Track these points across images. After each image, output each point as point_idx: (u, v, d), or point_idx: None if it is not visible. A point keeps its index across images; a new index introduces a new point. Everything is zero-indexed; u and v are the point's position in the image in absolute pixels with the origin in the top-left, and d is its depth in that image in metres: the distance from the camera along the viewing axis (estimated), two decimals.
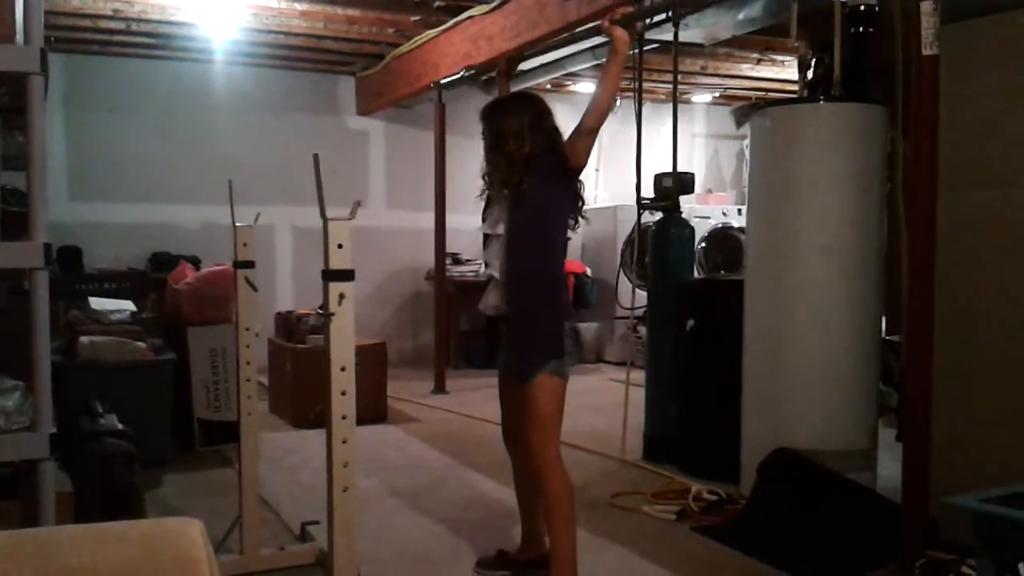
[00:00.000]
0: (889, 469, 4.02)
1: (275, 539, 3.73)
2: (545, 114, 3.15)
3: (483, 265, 3.19)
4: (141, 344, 4.77)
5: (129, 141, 7.96)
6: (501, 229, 3.12)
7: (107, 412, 3.92)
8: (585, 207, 3.21)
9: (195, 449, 4.94)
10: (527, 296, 3.08)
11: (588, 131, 2.98)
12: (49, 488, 2.36)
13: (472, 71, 6.55)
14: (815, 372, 3.97)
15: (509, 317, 3.15)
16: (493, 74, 3.65)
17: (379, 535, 3.83)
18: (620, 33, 2.96)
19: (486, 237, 3.24)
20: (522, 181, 3.05)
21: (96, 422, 3.81)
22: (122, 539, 1.35)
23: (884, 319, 4.28)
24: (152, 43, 7.37)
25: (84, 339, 4.65)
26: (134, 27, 6.81)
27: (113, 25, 6.75)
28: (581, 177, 3.15)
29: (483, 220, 3.31)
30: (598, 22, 3.00)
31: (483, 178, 3.24)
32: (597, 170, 9.72)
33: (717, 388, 4.56)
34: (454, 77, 6.85)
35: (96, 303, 5.28)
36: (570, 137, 3.04)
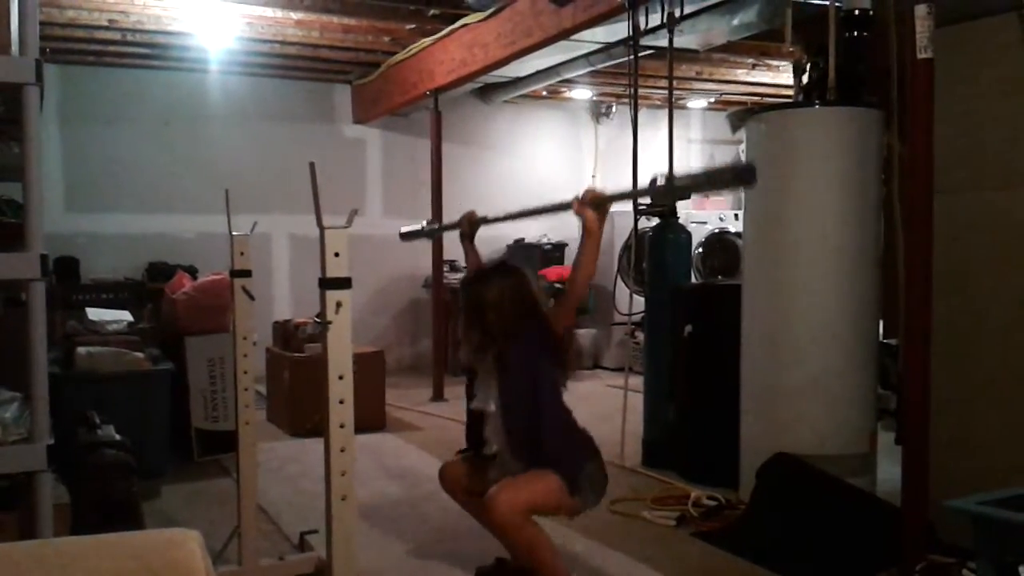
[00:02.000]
0: (888, 473, 4.02)
1: (274, 549, 3.72)
2: (526, 285, 3.13)
3: (485, 444, 3.17)
4: (138, 354, 4.76)
5: (125, 151, 7.96)
6: (493, 407, 3.09)
7: (105, 423, 3.91)
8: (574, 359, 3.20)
9: (193, 459, 4.92)
10: (541, 462, 3.01)
11: (570, 306, 3.09)
12: (46, 500, 2.35)
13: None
14: (813, 376, 3.97)
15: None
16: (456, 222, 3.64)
17: (378, 544, 3.82)
18: (591, 215, 2.94)
19: (479, 413, 3.20)
20: (502, 352, 3.04)
21: (94, 433, 3.80)
22: (120, 551, 1.35)
23: (881, 322, 4.28)
24: (148, 53, 7.37)
25: (81, 349, 4.64)
26: (129, 37, 6.81)
27: (109, 36, 6.75)
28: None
29: (468, 397, 3.25)
30: (571, 200, 2.99)
31: (462, 342, 3.23)
32: (593, 176, 9.73)
33: (715, 393, 4.56)
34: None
35: (93, 313, 5.28)
36: (553, 308, 3.10)
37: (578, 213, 2.97)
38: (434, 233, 3.89)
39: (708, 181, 2.79)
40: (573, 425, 3.18)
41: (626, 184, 5.25)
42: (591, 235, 2.97)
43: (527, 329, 3.04)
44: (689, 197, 3.68)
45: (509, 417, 3.07)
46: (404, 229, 4.18)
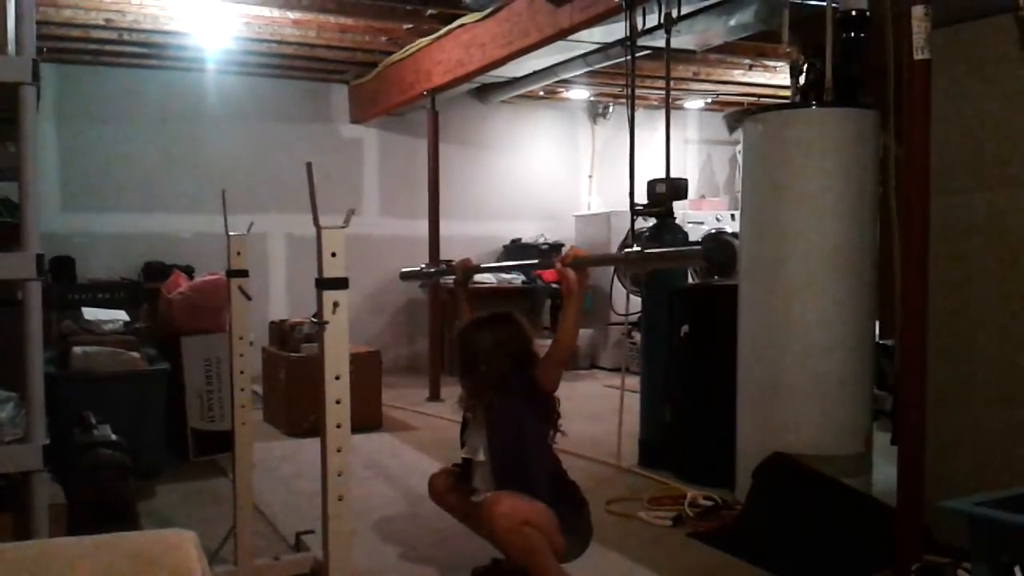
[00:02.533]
0: (884, 473, 4.02)
1: (270, 549, 3.72)
2: (519, 334, 3.17)
3: (474, 492, 3.20)
4: (134, 354, 4.76)
5: (122, 150, 7.95)
6: (482, 456, 3.13)
7: (100, 423, 3.91)
8: (560, 419, 3.19)
9: (189, 459, 4.92)
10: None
11: (556, 363, 3.08)
12: (42, 500, 2.35)
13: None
14: (810, 376, 3.97)
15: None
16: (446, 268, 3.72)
17: (375, 544, 3.82)
18: (571, 277, 2.96)
19: (467, 462, 3.24)
20: (492, 402, 3.07)
21: (89, 433, 3.80)
22: (116, 551, 1.35)
23: (877, 323, 4.29)
24: (144, 52, 7.37)
25: (77, 349, 4.63)
26: (126, 37, 6.81)
27: (105, 35, 6.75)
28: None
29: (461, 444, 3.30)
30: (554, 259, 3.03)
31: (462, 390, 3.28)
32: (590, 176, 9.74)
33: (712, 393, 4.57)
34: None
35: (89, 313, 5.27)
36: (540, 365, 3.09)
37: (559, 273, 3.01)
38: (431, 276, 4.06)
39: (676, 259, 2.88)
40: (561, 477, 3.22)
41: (623, 184, 5.24)
42: (571, 297, 3.00)
43: (518, 382, 3.08)
44: (654, 268, 3.78)
45: (498, 468, 3.10)
46: (404, 270, 4.32)
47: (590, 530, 3.20)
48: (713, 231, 8.67)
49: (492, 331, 3.16)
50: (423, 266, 4.17)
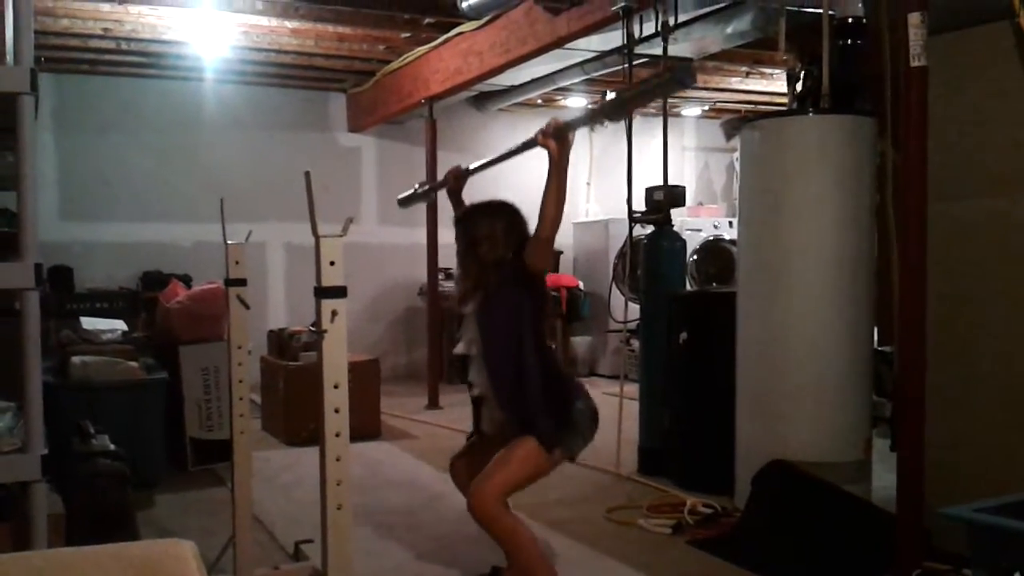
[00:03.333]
0: (884, 480, 4.02)
1: (269, 559, 3.71)
2: (518, 220, 3.21)
3: (468, 386, 3.23)
4: (133, 363, 4.75)
5: (120, 160, 7.95)
6: (475, 349, 3.16)
7: (99, 432, 3.90)
8: (551, 303, 3.25)
9: (187, 468, 4.91)
10: (521, 402, 3.08)
11: (544, 240, 3.06)
12: (41, 510, 2.34)
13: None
14: (808, 383, 3.97)
15: (507, 424, 3.14)
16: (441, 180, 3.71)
17: (374, 553, 3.81)
18: (552, 145, 2.97)
19: (464, 357, 3.28)
20: (488, 291, 3.11)
21: (88, 442, 3.79)
22: (115, 562, 1.34)
23: (876, 329, 4.29)
24: (142, 62, 7.37)
25: (76, 359, 4.63)
26: (124, 46, 6.81)
27: (103, 44, 6.75)
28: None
29: (457, 340, 3.36)
30: (535, 135, 3.02)
31: (456, 283, 3.32)
32: (588, 184, 9.75)
33: (711, 400, 4.56)
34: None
35: (87, 322, 5.27)
36: (528, 244, 3.10)
37: (542, 144, 3.02)
38: (428, 194, 4.01)
39: (650, 90, 2.87)
40: (555, 365, 3.25)
41: (621, 191, 5.24)
42: (555, 165, 3.00)
43: (512, 269, 3.10)
44: (632, 110, 3.70)
45: (491, 358, 3.13)
46: (400, 196, 4.25)
47: (595, 416, 3.21)
48: (711, 238, 8.69)
49: (491, 217, 3.20)
50: (416, 187, 4.14)
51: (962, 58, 3.51)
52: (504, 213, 3.22)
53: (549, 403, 3.07)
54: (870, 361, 4.10)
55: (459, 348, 3.28)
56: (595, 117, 3.11)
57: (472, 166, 3.61)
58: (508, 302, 3.10)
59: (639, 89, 2.88)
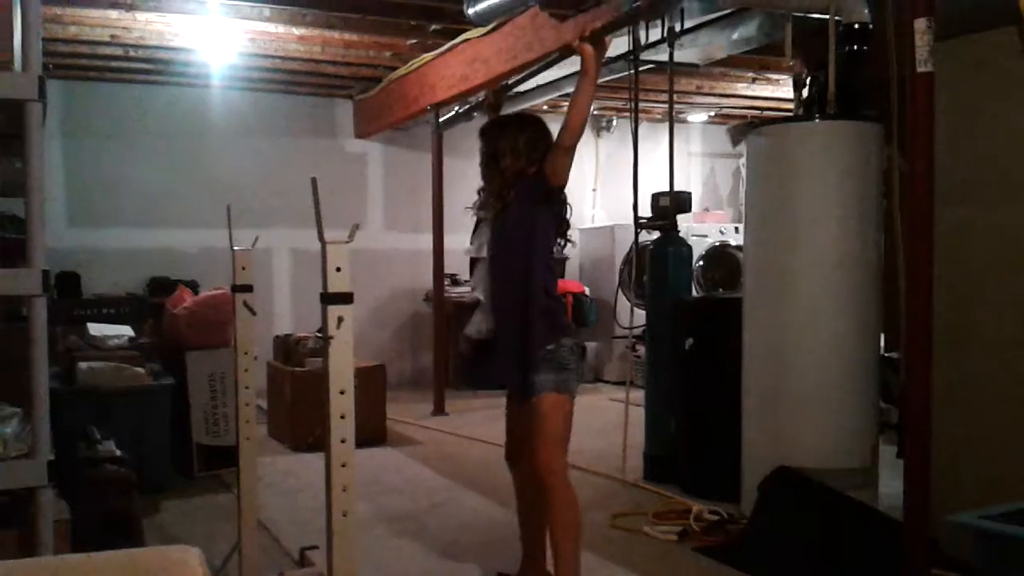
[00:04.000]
0: (891, 487, 4.01)
1: (274, 564, 3.71)
2: (543, 134, 3.19)
3: (471, 289, 3.21)
4: (139, 369, 4.76)
5: (127, 166, 7.97)
6: (484, 252, 3.15)
7: (105, 438, 3.91)
8: (571, 229, 3.24)
9: (193, 474, 4.92)
10: (517, 315, 3.09)
11: (564, 149, 3.03)
12: (47, 516, 2.35)
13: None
14: (815, 390, 3.96)
15: (499, 338, 3.15)
16: (481, 99, 3.73)
17: (379, 559, 3.81)
18: (589, 51, 2.98)
19: (473, 261, 3.28)
20: (508, 201, 3.11)
21: (94, 448, 3.80)
22: (122, 569, 1.34)
23: (883, 336, 4.28)
24: (150, 68, 7.40)
25: (82, 364, 4.64)
26: (132, 53, 6.84)
27: (111, 51, 6.78)
28: (569, 200, 3.18)
29: (471, 243, 3.36)
30: (571, 42, 3.01)
31: (478, 193, 3.30)
32: (594, 190, 9.75)
33: (717, 407, 4.56)
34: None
35: (94, 328, 5.28)
36: (548, 157, 3.07)
37: (577, 49, 3.03)
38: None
39: None
40: (556, 289, 3.23)
41: (627, 197, 5.25)
42: (587, 73, 3.01)
43: (533, 183, 3.09)
44: (667, 10, 3.67)
45: (497, 264, 3.15)
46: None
47: (579, 356, 3.18)
48: (717, 244, 8.68)
49: (516, 129, 3.19)
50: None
51: (968, 64, 3.50)
52: (529, 126, 3.21)
53: (544, 331, 3.05)
54: (876, 367, 4.09)
55: (469, 251, 3.30)
56: (632, 19, 3.12)
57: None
58: (525, 217, 3.09)
59: None
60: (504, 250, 3.16)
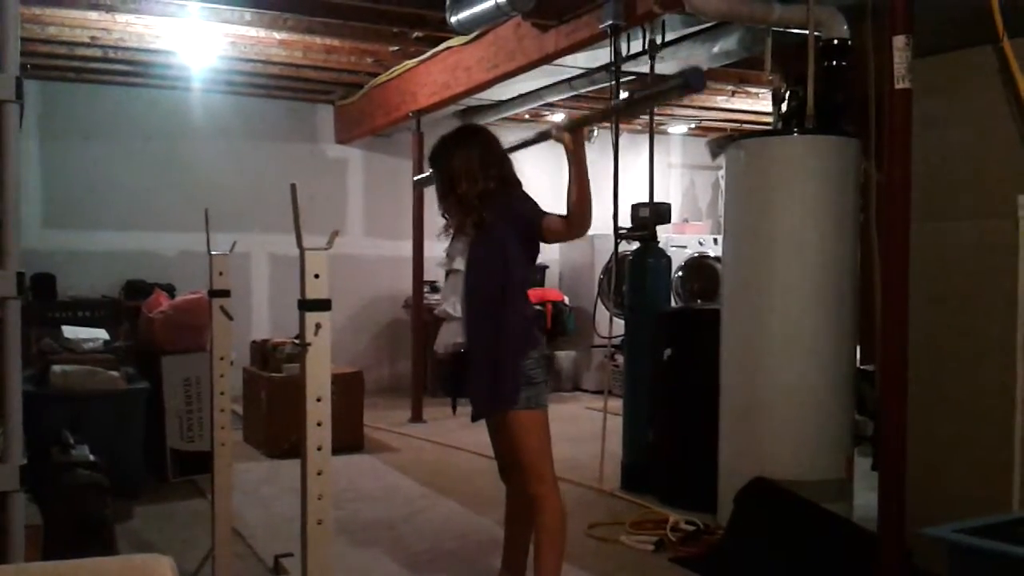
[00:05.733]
0: (865, 499, 4.03)
1: (248, 572, 3.68)
2: (492, 145, 3.13)
3: (439, 300, 3.14)
4: (114, 373, 4.72)
5: (105, 168, 7.92)
6: (459, 264, 3.10)
7: (79, 442, 3.87)
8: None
9: (167, 480, 4.88)
10: (489, 331, 3.03)
11: (568, 234, 2.98)
12: (19, 521, 2.32)
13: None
14: (791, 401, 3.98)
15: (471, 353, 3.11)
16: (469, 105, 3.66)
17: (354, 568, 3.78)
18: (567, 138, 2.92)
19: (446, 274, 3.21)
20: (482, 218, 3.02)
21: (67, 452, 3.77)
22: None
23: (858, 349, 4.31)
24: (129, 71, 7.35)
25: (56, 368, 4.59)
26: (111, 55, 6.80)
27: (90, 52, 6.73)
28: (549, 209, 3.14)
29: (445, 255, 3.29)
30: (548, 128, 2.99)
31: (443, 216, 3.21)
32: None
33: (694, 417, 4.57)
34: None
35: (69, 331, 5.23)
36: (554, 220, 2.97)
37: (556, 138, 2.97)
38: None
39: (663, 92, 2.85)
40: (528, 306, 3.17)
41: (607, 207, 5.25)
42: (572, 159, 2.92)
43: (514, 208, 3.00)
44: (643, 110, 3.64)
45: (471, 278, 3.06)
46: (417, 178, 4.18)
47: (544, 367, 3.12)
48: (696, 255, 8.73)
49: (464, 148, 3.08)
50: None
51: (946, 81, 3.54)
52: (476, 141, 3.11)
53: (516, 350, 2.98)
54: (852, 379, 4.12)
55: (442, 264, 3.20)
56: (608, 114, 3.09)
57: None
58: (501, 235, 2.99)
59: (652, 90, 2.88)
60: (479, 266, 3.06)
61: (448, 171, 3.08)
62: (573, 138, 2.91)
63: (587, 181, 2.91)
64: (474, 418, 3.15)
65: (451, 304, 3.11)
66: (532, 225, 2.99)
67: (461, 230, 3.12)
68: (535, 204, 3.05)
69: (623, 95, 2.75)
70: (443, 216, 3.20)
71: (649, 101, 3.01)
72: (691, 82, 2.62)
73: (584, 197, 2.91)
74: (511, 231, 3.00)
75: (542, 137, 3.11)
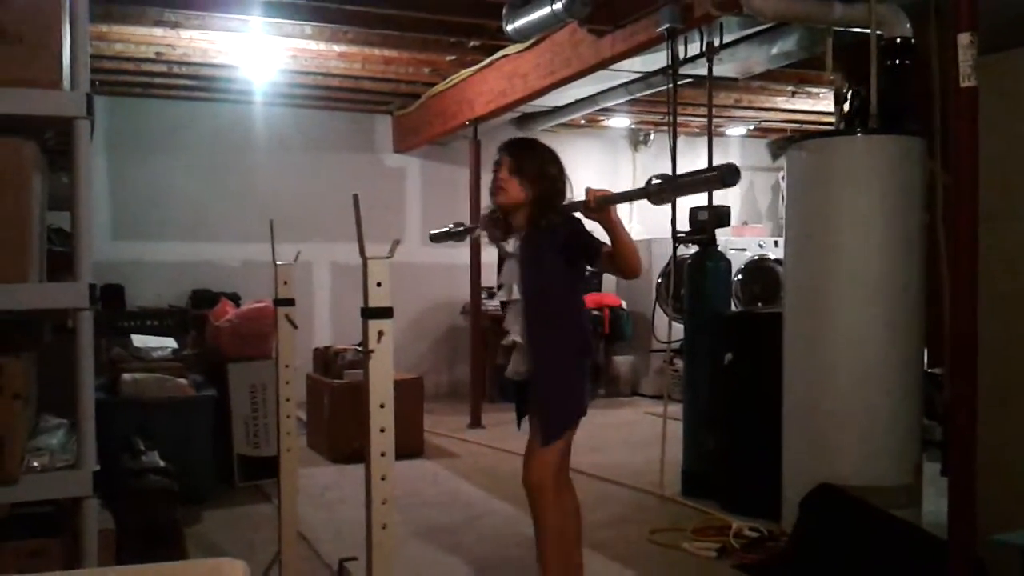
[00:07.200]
0: (934, 505, 3.95)
1: (313, 575, 3.73)
2: (562, 171, 3.24)
3: (507, 333, 3.23)
4: (182, 380, 4.83)
5: (171, 181, 8.11)
6: (516, 294, 3.18)
7: (149, 448, 3.96)
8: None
9: (234, 485, 4.96)
10: (550, 359, 3.13)
11: (619, 272, 3.12)
12: (92, 526, 2.37)
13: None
14: (857, 406, 3.91)
15: (533, 380, 3.18)
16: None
17: (417, 572, 3.81)
18: (594, 218, 2.99)
19: (503, 304, 3.29)
20: (533, 234, 3.12)
21: (138, 459, 3.86)
22: None
23: (926, 352, 4.22)
24: (193, 85, 7.52)
25: (127, 376, 4.71)
26: (176, 70, 6.96)
27: (155, 68, 6.91)
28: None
29: (497, 287, 3.36)
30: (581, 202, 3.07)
31: (494, 210, 3.27)
32: (631, 204, 9.72)
33: (756, 422, 4.51)
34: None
35: (138, 340, 5.35)
36: (608, 255, 3.06)
37: (585, 215, 3.07)
38: (461, 235, 3.99)
39: (696, 183, 2.96)
40: (582, 325, 3.28)
41: (665, 211, 5.22)
42: (609, 229, 3.01)
43: (570, 238, 3.10)
44: (675, 197, 3.63)
45: (530, 308, 3.15)
46: (433, 232, 4.25)
47: (592, 378, 3.29)
48: (756, 257, 8.62)
49: (552, 159, 3.23)
50: (451, 226, 4.13)
51: (1013, 78, 3.45)
52: (557, 162, 3.24)
53: (568, 380, 3.14)
54: (920, 383, 4.03)
55: (500, 295, 3.30)
56: (637, 196, 3.13)
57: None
58: (552, 263, 3.10)
59: (685, 179, 2.95)
60: (536, 296, 3.15)
61: (535, 162, 3.19)
62: (606, 215, 3.00)
63: (626, 244, 3.01)
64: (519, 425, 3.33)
65: (516, 333, 3.16)
66: (591, 255, 3.12)
67: (515, 227, 3.20)
68: (592, 236, 3.14)
69: (655, 181, 2.77)
70: (494, 209, 3.26)
71: (683, 190, 3.03)
72: (726, 180, 2.69)
73: (628, 257, 3.03)
74: (563, 259, 3.11)
75: (574, 208, 3.16)
